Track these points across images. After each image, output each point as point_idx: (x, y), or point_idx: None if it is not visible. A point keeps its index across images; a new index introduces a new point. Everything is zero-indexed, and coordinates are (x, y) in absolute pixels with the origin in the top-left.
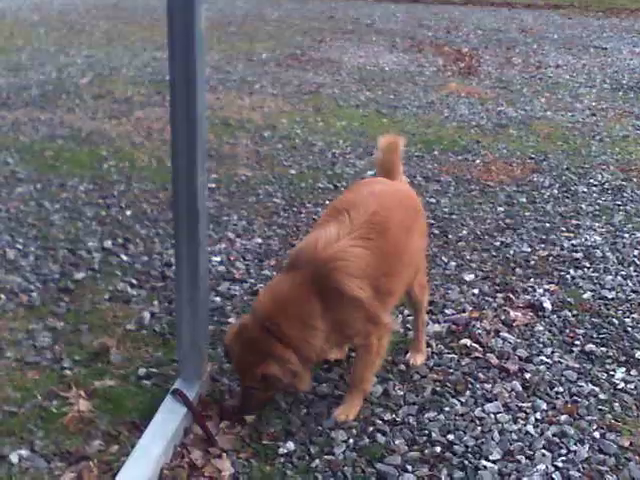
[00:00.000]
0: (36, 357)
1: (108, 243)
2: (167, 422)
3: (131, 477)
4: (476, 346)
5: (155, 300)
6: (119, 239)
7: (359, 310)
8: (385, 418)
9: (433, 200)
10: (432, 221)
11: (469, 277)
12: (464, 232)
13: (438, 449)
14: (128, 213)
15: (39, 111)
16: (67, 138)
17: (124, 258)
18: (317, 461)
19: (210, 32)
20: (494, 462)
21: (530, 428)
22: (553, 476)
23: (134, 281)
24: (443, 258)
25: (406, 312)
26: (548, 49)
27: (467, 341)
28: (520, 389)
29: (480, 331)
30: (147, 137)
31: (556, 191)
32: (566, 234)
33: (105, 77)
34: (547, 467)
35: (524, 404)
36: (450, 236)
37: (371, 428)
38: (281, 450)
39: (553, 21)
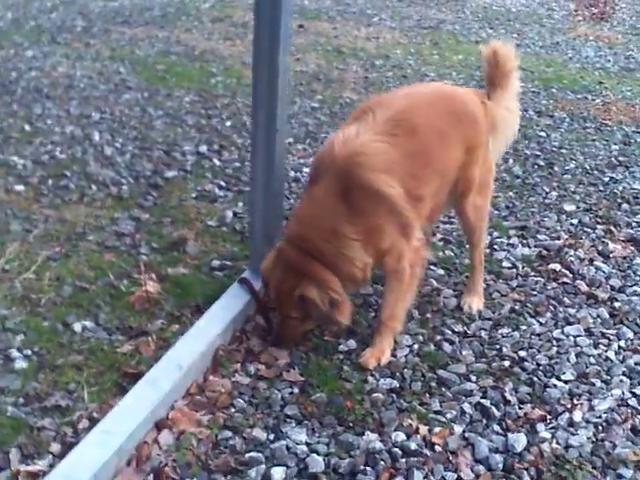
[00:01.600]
0: (116, 242)
1: (203, 148)
2: (229, 307)
3: (185, 351)
4: (566, 272)
5: (240, 202)
6: (215, 145)
7: (390, 210)
8: (455, 329)
9: (543, 134)
10: (538, 153)
11: (569, 207)
12: (571, 165)
13: (507, 363)
14: (228, 124)
15: (157, 29)
16: (180, 55)
17: (217, 162)
18: None
19: None
20: (565, 382)
21: (611, 354)
22: (629, 402)
23: (223, 183)
24: (544, 188)
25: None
26: None
27: (557, 266)
28: (607, 316)
29: (573, 258)
30: None
31: None
32: None
33: (227, 3)
34: (623, 393)
35: (609, 331)
36: (556, 168)
37: (439, 337)
38: (341, 347)
39: None
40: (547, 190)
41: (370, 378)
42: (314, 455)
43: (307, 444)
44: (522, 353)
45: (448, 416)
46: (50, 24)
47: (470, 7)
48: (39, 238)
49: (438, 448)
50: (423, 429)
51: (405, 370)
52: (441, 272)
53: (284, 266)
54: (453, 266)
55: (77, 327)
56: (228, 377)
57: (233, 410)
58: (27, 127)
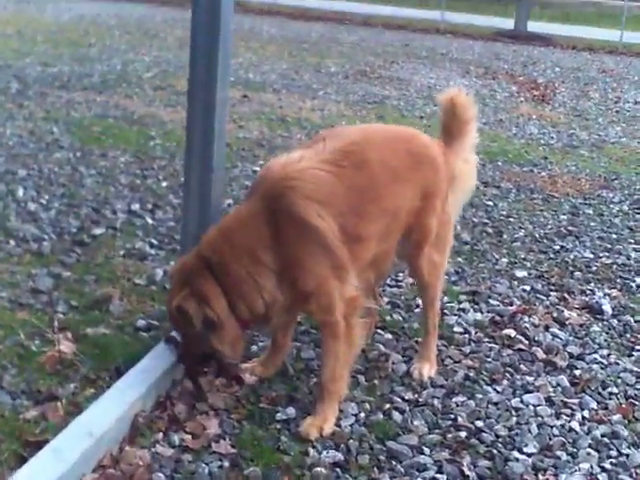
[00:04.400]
0: (30, 299)
1: (136, 206)
2: (152, 368)
3: (97, 417)
4: (521, 338)
5: (172, 260)
6: (149, 204)
7: (317, 245)
8: (405, 397)
9: (490, 203)
10: (486, 221)
11: (521, 274)
12: (521, 233)
13: (463, 434)
14: (164, 184)
15: (96, 94)
16: (118, 118)
17: (149, 221)
18: None
19: (282, 47)
20: (528, 455)
21: (575, 425)
22: (599, 477)
23: (155, 241)
24: (494, 254)
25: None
26: (628, 88)
27: (511, 332)
28: (567, 384)
29: (527, 325)
30: None
31: (626, 207)
32: (634, 245)
33: (169, 73)
34: (592, 467)
35: (570, 400)
36: (505, 236)
37: (387, 405)
38: (279, 415)
39: (634, 65)
40: (497, 257)
41: (311, 450)
42: None
43: None
44: (479, 423)
45: None
46: None
47: (414, 86)
48: None
49: None
50: None
51: (351, 441)
52: (389, 336)
53: (179, 274)
54: (402, 330)
55: None
56: (148, 448)
57: None
58: None
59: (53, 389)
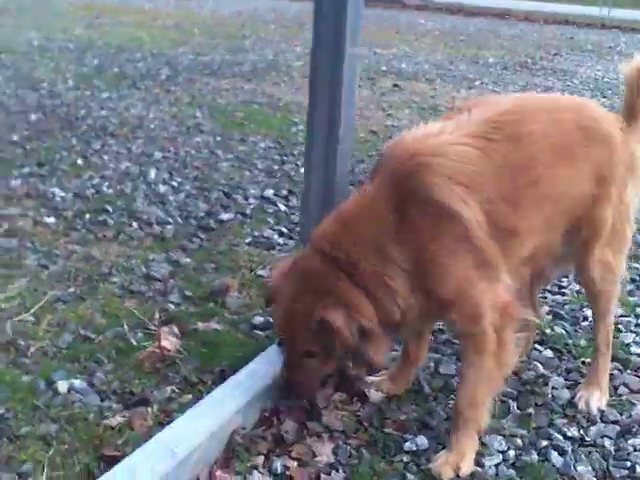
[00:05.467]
0: (143, 286)
1: (269, 192)
2: (259, 376)
3: (185, 432)
4: None
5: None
6: (283, 190)
7: (458, 238)
8: (568, 433)
9: None
10: None
11: None
12: None
13: None
14: (302, 171)
15: (244, 82)
16: (263, 105)
17: (282, 208)
18: None
19: (438, 39)
20: None
21: None
22: None
23: (285, 230)
24: None
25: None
26: None
27: None
28: None
29: None
30: None
31: None
32: None
33: None
34: None
35: None
36: None
37: (545, 442)
38: (408, 445)
39: None
40: None
41: None
42: None
43: None
44: None
45: None
46: (134, 72)
47: (579, 78)
48: (54, 276)
49: None
50: None
51: None
52: (549, 354)
53: (301, 278)
54: (565, 347)
55: (62, 387)
56: (243, 474)
57: None
58: (80, 161)
59: (146, 392)
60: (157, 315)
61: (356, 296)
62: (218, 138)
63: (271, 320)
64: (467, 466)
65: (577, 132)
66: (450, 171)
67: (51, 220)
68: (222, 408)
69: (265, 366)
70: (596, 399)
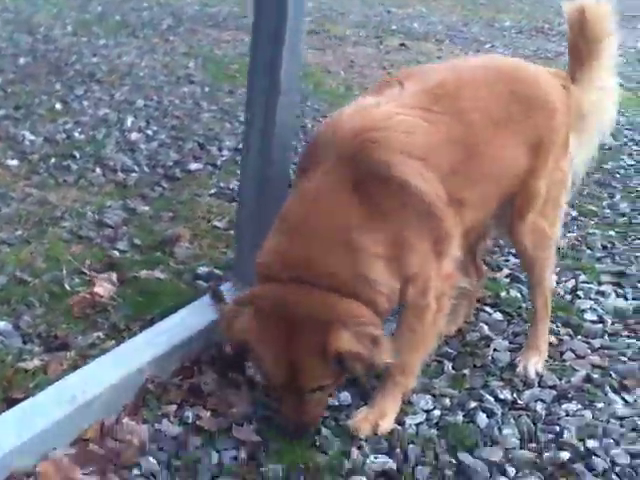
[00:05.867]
0: (92, 232)
1: None
2: (185, 325)
3: (92, 378)
4: None
5: None
6: None
7: (421, 214)
8: (500, 396)
9: None
10: None
11: None
12: None
13: (566, 455)
14: None
15: (246, 34)
16: None
17: None
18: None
19: (457, 1)
20: None
21: None
22: None
23: None
24: None
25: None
26: None
27: None
28: None
29: None
30: (345, 68)
31: None
32: None
33: (329, 18)
34: None
35: None
36: None
37: (474, 404)
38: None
39: None
40: None
41: (355, 452)
42: None
43: None
44: (592, 443)
45: None
46: (136, 20)
47: None
48: (3, 218)
49: None
50: None
51: (411, 446)
52: (499, 317)
53: (283, 316)
54: (517, 311)
55: None
56: (151, 423)
57: (136, 473)
58: (58, 106)
59: (70, 337)
60: (96, 261)
61: (353, 308)
62: (206, 89)
63: (216, 271)
64: (386, 424)
65: (514, 102)
66: (401, 145)
67: (14, 163)
68: (137, 355)
69: (193, 317)
70: (533, 363)
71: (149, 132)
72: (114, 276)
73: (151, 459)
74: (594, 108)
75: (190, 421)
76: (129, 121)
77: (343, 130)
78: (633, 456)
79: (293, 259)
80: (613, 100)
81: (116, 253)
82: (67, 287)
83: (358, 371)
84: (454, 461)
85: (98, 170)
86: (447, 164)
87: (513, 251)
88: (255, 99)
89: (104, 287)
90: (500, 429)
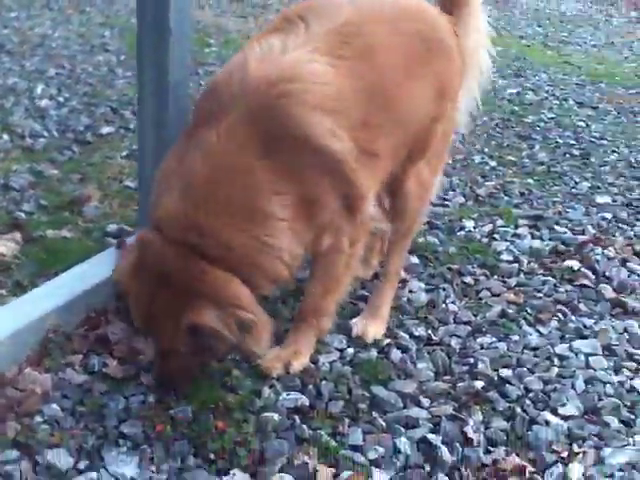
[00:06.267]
0: None
1: None
2: (88, 276)
3: None
4: (587, 272)
5: None
6: None
7: (333, 174)
8: (415, 333)
9: (582, 124)
10: (573, 142)
11: (603, 199)
12: (612, 157)
13: (480, 384)
14: None
15: None
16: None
17: None
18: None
19: None
20: (564, 418)
21: (638, 384)
22: None
23: None
24: (574, 177)
25: None
26: None
27: (575, 264)
28: (638, 332)
29: (599, 257)
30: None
31: None
32: None
33: None
34: None
35: (638, 351)
36: (592, 159)
37: (387, 340)
38: None
39: None
40: (577, 180)
41: (267, 390)
42: None
43: None
44: (505, 372)
45: (370, 455)
46: None
47: (520, 8)
48: None
49: None
50: (324, 473)
51: (324, 382)
52: (415, 260)
53: (155, 279)
54: (434, 254)
55: None
56: (54, 372)
57: (39, 420)
58: None
59: None
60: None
61: (227, 285)
62: (122, 57)
63: (126, 228)
64: (299, 363)
65: (421, 46)
66: (313, 98)
67: None
68: (38, 306)
69: (96, 267)
70: (373, 329)
71: (60, 99)
72: (18, 236)
73: (55, 406)
74: (477, 54)
75: (96, 369)
76: (39, 89)
77: (251, 80)
78: (546, 382)
79: (186, 222)
80: (487, 44)
81: (22, 215)
82: None
83: (221, 350)
84: (367, 394)
85: (5, 136)
86: (359, 115)
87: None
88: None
89: (7, 246)
90: (414, 363)
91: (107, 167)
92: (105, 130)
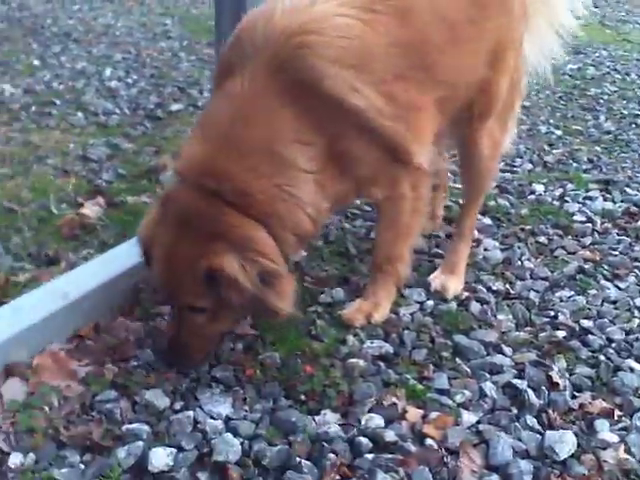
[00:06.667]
0: (78, 167)
1: None
2: None
3: (84, 277)
4: None
5: None
6: None
7: (360, 130)
8: (493, 287)
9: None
10: (638, 112)
11: None
12: None
13: (562, 334)
14: None
15: None
16: None
17: None
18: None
19: None
20: None
21: None
22: None
23: None
24: None
25: None
26: None
27: None
28: None
29: None
30: None
31: None
32: None
33: None
34: None
35: None
36: None
37: (466, 294)
38: (323, 297)
39: None
40: None
41: (352, 338)
42: (228, 436)
43: (227, 419)
44: (586, 323)
45: (457, 399)
46: None
47: None
48: None
49: (430, 443)
50: (413, 413)
51: (406, 332)
52: (488, 221)
53: (178, 223)
54: (506, 216)
55: None
56: (145, 320)
57: (134, 364)
58: (36, 62)
59: (60, 254)
60: (83, 191)
61: (251, 232)
62: (185, 43)
63: None
64: (380, 314)
65: (470, 4)
66: (333, 51)
67: None
68: (127, 260)
69: None
70: (453, 284)
71: (128, 80)
72: (101, 200)
73: (149, 351)
74: (546, 5)
75: None
76: (108, 72)
77: (275, 30)
78: (627, 332)
79: (207, 168)
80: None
81: (102, 183)
82: (55, 211)
83: (235, 303)
84: (450, 343)
85: (79, 114)
86: (391, 71)
87: (500, 166)
88: None
89: (92, 209)
90: (494, 315)
91: (179, 140)
92: (174, 107)
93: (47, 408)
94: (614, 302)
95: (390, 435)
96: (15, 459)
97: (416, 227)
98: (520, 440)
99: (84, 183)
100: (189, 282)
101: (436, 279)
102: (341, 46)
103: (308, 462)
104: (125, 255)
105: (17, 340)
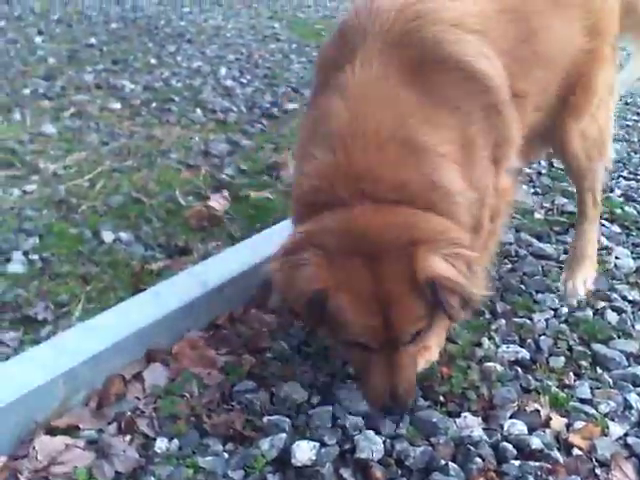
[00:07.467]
0: (201, 161)
1: None
2: None
3: (221, 267)
4: None
5: None
6: None
7: (485, 103)
8: (629, 297)
9: None
10: None
11: None
12: None
13: None
14: None
15: None
16: None
17: None
18: (501, 322)
19: None
20: None
21: None
22: None
23: None
24: None
25: None
26: None
27: None
28: None
29: None
30: None
31: None
32: None
33: None
34: None
35: None
36: None
37: (602, 303)
38: None
39: None
40: None
41: (487, 341)
42: (370, 433)
43: (364, 417)
44: None
45: (602, 409)
46: None
47: None
48: (113, 151)
49: (578, 452)
50: (558, 421)
51: (542, 338)
52: (617, 229)
53: (358, 250)
54: (634, 224)
55: (108, 237)
56: (278, 313)
57: (269, 355)
58: (153, 60)
59: (190, 244)
60: (207, 184)
61: (438, 224)
62: (294, 45)
63: None
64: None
65: None
66: (451, 15)
67: (117, 106)
68: (257, 252)
69: None
70: (582, 281)
71: (243, 80)
72: (226, 194)
73: (283, 343)
74: None
75: None
76: (223, 71)
77: (380, 12)
78: None
79: (351, 174)
80: None
81: (225, 177)
82: (182, 203)
83: (454, 307)
84: (588, 351)
85: (198, 111)
86: (504, 40)
87: (624, 174)
88: None
89: (218, 202)
90: (633, 325)
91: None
92: (290, 106)
93: (188, 395)
94: None
95: (536, 442)
96: (161, 444)
97: (488, 256)
98: None
99: (207, 177)
100: (410, 303)
101: (565, 281)
102: (457, 9)
103: (454, 465)
104: (255, 247)
105: (158, 326)
